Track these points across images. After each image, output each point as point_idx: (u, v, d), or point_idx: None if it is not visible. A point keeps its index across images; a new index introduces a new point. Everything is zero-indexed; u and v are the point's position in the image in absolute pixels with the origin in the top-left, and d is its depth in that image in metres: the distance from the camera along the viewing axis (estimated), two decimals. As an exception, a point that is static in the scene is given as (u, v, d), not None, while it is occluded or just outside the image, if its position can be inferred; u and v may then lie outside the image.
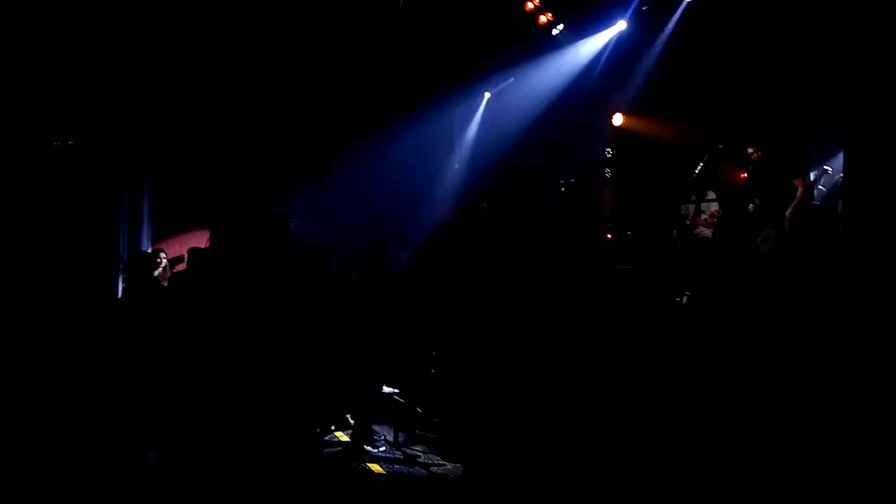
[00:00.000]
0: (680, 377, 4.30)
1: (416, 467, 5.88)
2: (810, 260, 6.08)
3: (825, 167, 8.48)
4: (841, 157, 7.66)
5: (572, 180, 10.15)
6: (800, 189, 6.66)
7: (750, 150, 7.03)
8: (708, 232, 8.11)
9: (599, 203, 10.39)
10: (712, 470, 4.12)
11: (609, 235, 9.29)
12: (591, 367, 4.78)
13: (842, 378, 3.24)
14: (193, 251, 7.67)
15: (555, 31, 9.41)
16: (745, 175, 7.32)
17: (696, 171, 7.54)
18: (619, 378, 4.83)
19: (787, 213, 6.62)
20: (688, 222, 7.95)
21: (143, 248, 9.35)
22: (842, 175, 7.34)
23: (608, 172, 10.23)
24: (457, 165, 9.98)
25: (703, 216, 8.02)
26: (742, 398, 3.96)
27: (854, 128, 5.13)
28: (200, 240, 9.26)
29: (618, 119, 9.81)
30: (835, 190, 7.92)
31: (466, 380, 4.65)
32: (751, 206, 7.08)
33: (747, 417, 3.84)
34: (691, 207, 8.17)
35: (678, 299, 6.97)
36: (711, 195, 7.94)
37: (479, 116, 10.16)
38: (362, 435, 5.60)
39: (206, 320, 2.48)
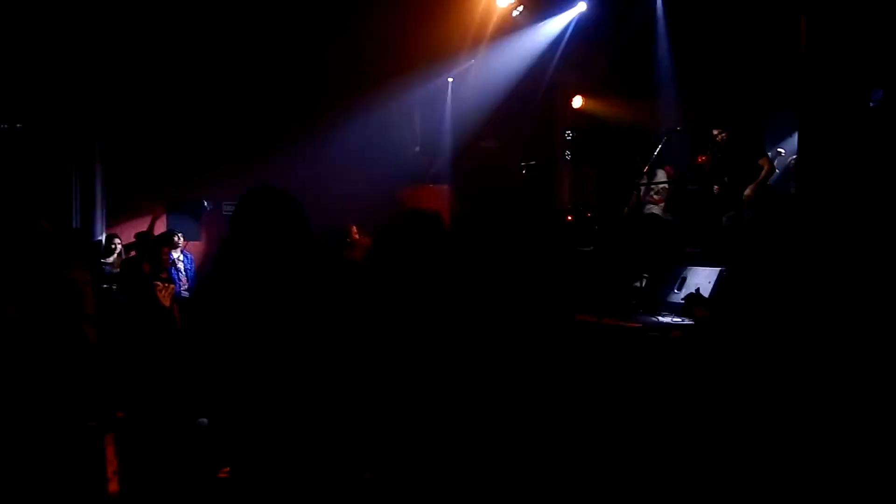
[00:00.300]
0: (638, 361, 4.38)
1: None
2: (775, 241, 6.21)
3: (778, 149, 8.69)
4: (791, 138, 7.86)
5: (533, 162, 10.21)
6: (765, 168, 6.81)
7: (715, 132, 7.12)
8: (656, 208, 8.23)
9: (560, 184, 10.49)
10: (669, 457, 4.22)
11: (569, 217, 9.39)
12: (550, 353, 4.83)
13: (808, 356, 3.33)
14: (140, 236, 7.50)
15: (514, 13, 9.38)
16: (704, 157, 7.43)
17: (655, 153, 7.64)
18: (578, 362, 4.90)
19: (749, 191, 6.72)
20: (641, 200, 8.02)
21: (97, 234, 9.12)
22: (794, 157, 7.53)
23: (568, 154, 10.30)
24: (417, 148, 9.93)
25: (651, 193, 8.12)
26: (703, 382, 4.05)
27: (809, 109, 5.25)
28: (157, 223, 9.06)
29: (577, 101, 9.88)
30: (787, 171, 8.12)
31: (422, 366, 4.65)
32: (715, 187, 7.17)
33: (715, 405, 3.93)
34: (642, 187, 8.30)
35: (637, 284, 7.08)
36: (662, 175, 8.03)
37: (439, 99, 10.12)
38: None
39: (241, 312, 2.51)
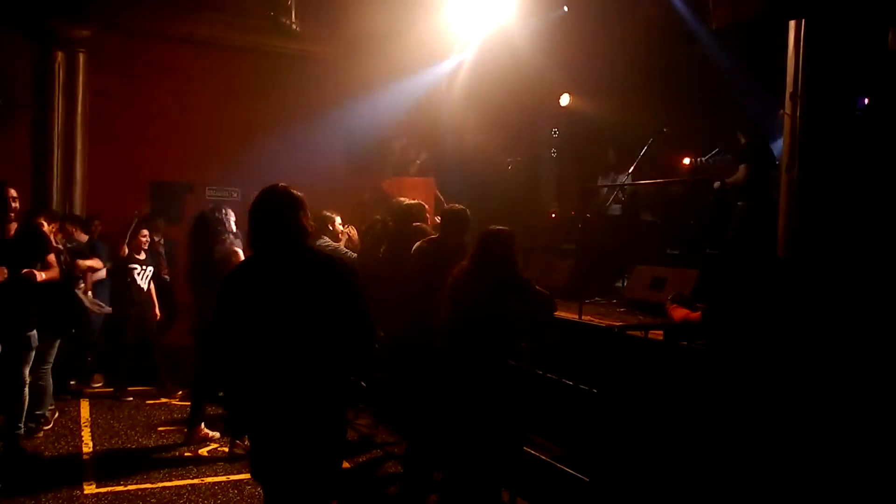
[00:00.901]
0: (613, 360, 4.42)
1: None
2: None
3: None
4: (774, 144, 7.93)
5: (519, 158, 10.24)
6: (736, 174, 6.89)
7: (740, 137, 7.14)
8: (617, 209, 8.26)
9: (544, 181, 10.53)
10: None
11: (553, 214, 9.44)
12: (533, 348, 4.86)
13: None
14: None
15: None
16: (690, 160, 7.49)
17: (640, 154, 7.69)
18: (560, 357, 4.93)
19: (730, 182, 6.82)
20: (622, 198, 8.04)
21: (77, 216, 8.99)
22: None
23: (554, 152, 10.35)
24: (405, 141, 9.91)
25: (616, 194, 8.16)
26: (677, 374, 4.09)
27: (794, 116, 5.28)
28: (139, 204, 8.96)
29: (565, 99, 9.90)
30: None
31: (410, 356, 4.67)
32: (716, 183, 7.19)
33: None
34: (605, 181, 8.29)
35: (617, 284, 7.14)
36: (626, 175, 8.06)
37: (428, 92, 10.09)
38: None
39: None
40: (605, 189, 8.31)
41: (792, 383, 3.32)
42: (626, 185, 7.89)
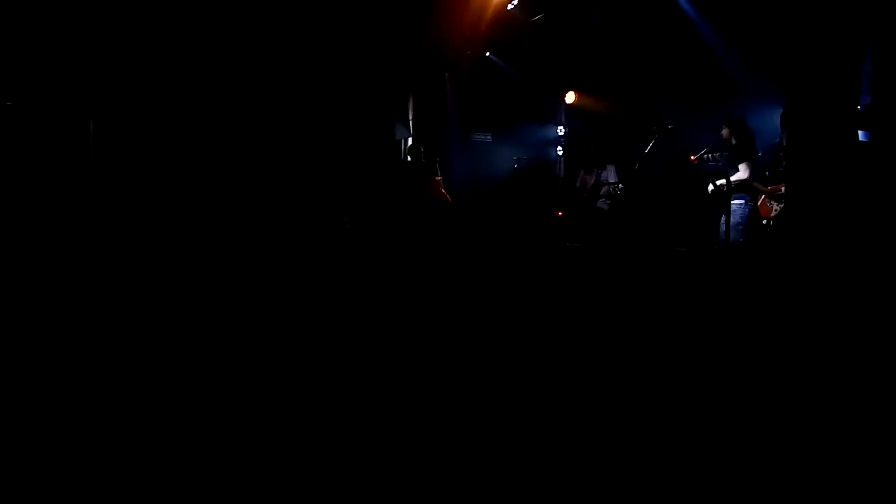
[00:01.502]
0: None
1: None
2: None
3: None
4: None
5: (524, 157, 10.27)
6: (740, 171, 6.89)
7: (724, 133, 7.14)
8: (605, 205, 8.25)
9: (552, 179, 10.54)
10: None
11: (560, 212, 9.44)
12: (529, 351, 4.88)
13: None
14: None
15: (509, 6, 9.40)
16: (694, 157, 7.48)
17: (646, 151, 7.68)
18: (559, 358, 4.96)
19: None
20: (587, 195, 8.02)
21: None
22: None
23: (560, 150, 10.36)
24: (410, 139, 9.96)
25: (605, 188, 8.12)
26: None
27: (797, 113, 5.29)
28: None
29: (570, 97, 9.92)
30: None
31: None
32: (711, 184, 7.19)
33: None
34: (590, 178, 8.30)
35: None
36: (611, 169, 8.04)
37: (435, 90, 10.14)
38: None
39: None
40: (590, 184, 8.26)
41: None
42: (627, 183, 7.89)
